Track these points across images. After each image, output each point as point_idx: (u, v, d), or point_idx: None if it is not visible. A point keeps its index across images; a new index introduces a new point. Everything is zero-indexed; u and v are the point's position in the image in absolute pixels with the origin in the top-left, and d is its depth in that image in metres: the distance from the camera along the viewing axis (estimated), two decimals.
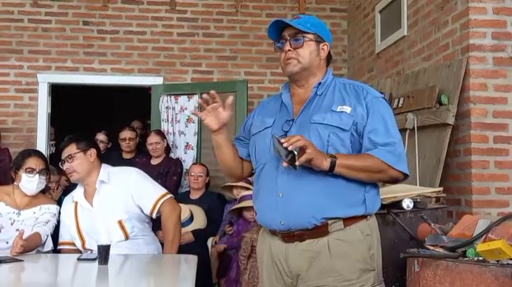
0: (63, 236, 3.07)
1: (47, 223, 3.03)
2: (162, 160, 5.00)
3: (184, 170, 5.13)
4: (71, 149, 2.99)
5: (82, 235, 2.97)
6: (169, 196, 3.04)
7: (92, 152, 3.01)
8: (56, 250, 3.09)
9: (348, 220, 1.98)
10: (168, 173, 4.86)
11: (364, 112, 2.00)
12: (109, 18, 5.74)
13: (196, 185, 4.67)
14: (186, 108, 5.53)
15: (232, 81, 5.65)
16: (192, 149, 5.50)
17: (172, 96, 5.57)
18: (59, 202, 3.29)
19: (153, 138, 5.00)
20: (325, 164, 1.89)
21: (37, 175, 3.06)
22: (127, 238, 2.91)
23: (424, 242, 2.32)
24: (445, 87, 3.58)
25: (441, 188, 3.19)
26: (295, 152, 1.82)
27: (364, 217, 2.02)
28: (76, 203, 3.03)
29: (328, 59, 2.16)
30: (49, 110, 5.65)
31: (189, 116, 5.53)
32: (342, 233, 1.97)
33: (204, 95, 2.08)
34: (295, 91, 2.14)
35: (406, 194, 2.76)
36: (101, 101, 7.51)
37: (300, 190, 1.96)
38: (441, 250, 2.18)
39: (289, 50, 2.06)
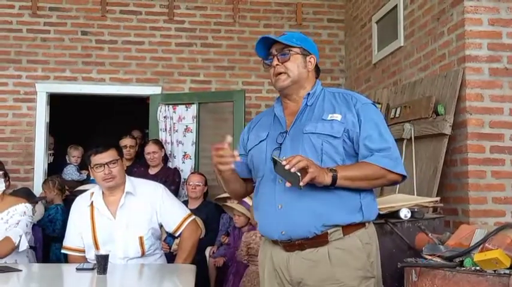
0: (73, 242, 2.97)
1: (17, 223, 2.99)
2: (159, 170, 5.00)
3: (183, 180, 5.14)
4: (114, 154, 2.91)
5: (97, 242, 2.86)
6: (193, 217, 3.07)
7: (123, 160, 3.00)
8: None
9: (347, 229, 2.01)
10: (166, 183, 4.84)
11: (355, 119, 2.04)
12: (107, 28, 5.76)
13: (194, 195, 4.67)
14: (184, 118, 5.54)
15: (230, 91, 5.68)
16: (190, 158, 5.50)
17: (171, 106, 5.58)
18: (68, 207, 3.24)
19: (150, 148, 5.01)
20: (327, 179, 1.91)
21: None
22: (143, 254, 2.88)
23: (422, 252, 2.33)
24: (441, 98, 3.61)
25: (438, 198, 3.21)
26: (299, 174, 1.83)
27: (362, 225, 2.05)
28: (92, 207, 2.94)
29: (317, 71, 2.21)
30: (47, 120, 5.65)
31: (187, 126, 5.54)
32: (341, 242, 2.00)
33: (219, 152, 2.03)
34: (287, 104, 2.19)
35: (403, 204, 2.78)
36: (99, 110, 7.53)
37: (298, 201, 1.99)
38: (439, 260, 2.19)
39: (277, 65, 2.12)
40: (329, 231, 1.99)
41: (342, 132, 2.02)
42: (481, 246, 2.11)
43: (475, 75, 3.47)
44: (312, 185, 1.93)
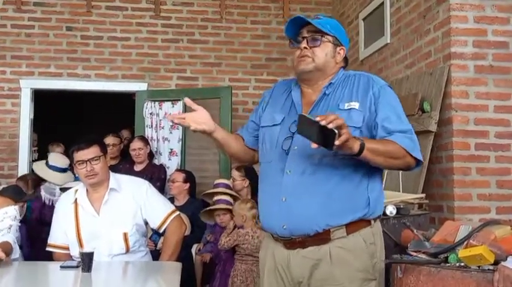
0: (57, 239, 2.93)
1: (9, 228, 2.94)
2: (145, 166, 4.98)
3: (168, 177, 5.11)
4: (96, 150, 2.85)
5: (81, 239, 2.83)
6: (178, 212, 3.05)
7: (106, 157, 2.96)
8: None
9: (351, 227, 1.95)
10: (151, 180, 4.82)
11: (372, 103, 1.96)
12: (93, 24, 5.71)
13: (173, 191, 4.65)
14: (170, 115, 5.52)
15: (216, 87, 5.65)
16: (176, 155, 5.48)
17: (157, 103, 5.56)
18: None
19: (136, 144, 4.98)
20: (356, 147, 1.80)
21: None
22: (127, 251, 2.85)
23: (407, 248, 2.33)
24: (427, 95, 3.63)
25: (424, 195, 3.23)
26: (336, 131, 1.68)
27: (367, 223, 1.99)
28: (76, 204, 2.91)
29: (345, 62, 2.13)
30: (32, 116, 5.60)
31: (173, 122, 5.50)
32: (344, 241, 1.95)
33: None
34: (304, 91, 2.10)
35: (389, 201, 2.78)
36: (84, 106, 7.47)
37: (303, 195, 1.92)
38: (424, 256, 2.20)
39: (305, 48, 2.02)
40: (332, 229, 1.93)
41: (362, 121, 1.94)
42: (465, 242, 2.12)
43: (461, 72, 3.49)
44: (320, 179, 1.87)
